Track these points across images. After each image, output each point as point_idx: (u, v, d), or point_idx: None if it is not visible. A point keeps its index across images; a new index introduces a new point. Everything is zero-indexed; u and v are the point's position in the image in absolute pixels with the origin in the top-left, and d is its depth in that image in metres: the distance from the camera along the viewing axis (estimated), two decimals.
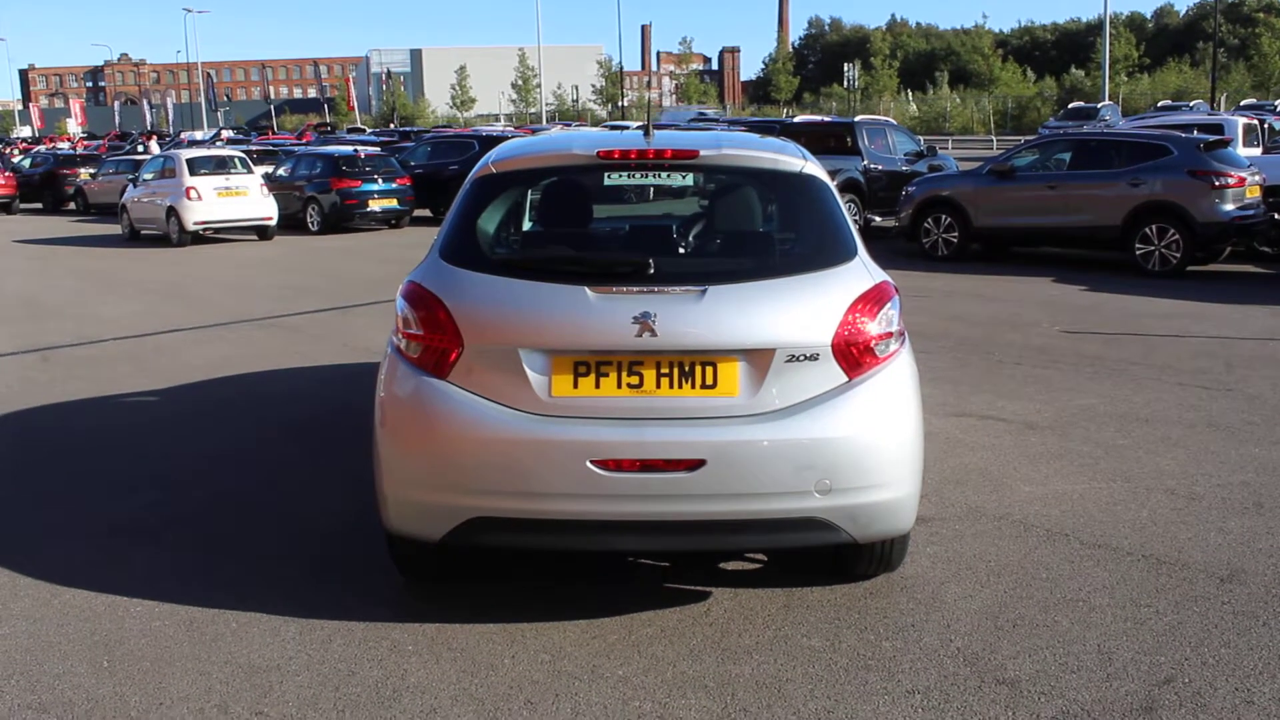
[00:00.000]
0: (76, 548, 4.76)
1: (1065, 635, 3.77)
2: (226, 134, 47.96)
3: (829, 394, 3.66)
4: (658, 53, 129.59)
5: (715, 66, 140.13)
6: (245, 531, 4.93)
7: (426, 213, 22.27)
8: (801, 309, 3.70)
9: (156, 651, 3.78)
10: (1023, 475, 5.51)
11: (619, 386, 3.61)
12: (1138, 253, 12.45)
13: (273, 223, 19.48)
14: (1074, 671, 3.52)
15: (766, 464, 3.55)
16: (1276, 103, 31.26)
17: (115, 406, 7.40)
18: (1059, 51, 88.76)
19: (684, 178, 4.12)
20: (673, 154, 4.04)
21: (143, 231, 20.17)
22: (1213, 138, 13.24)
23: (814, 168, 4.12)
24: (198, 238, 19.01)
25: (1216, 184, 12.04)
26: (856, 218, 15.89)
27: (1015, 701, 3.35)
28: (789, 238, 4.08)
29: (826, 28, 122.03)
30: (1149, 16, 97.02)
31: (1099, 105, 35.54)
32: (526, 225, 4.54)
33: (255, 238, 19.63)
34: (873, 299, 3.78)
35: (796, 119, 24.86)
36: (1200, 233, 12.13)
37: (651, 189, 4.46)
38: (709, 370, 3.61)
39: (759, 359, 3.62)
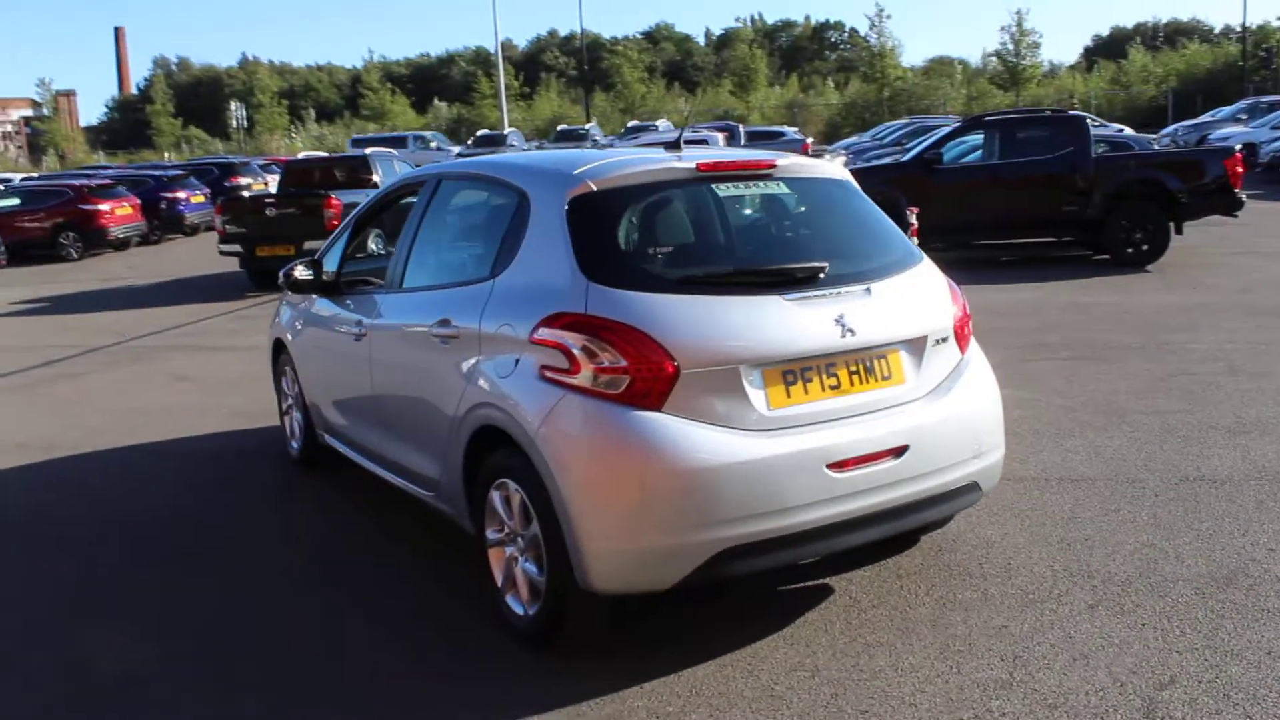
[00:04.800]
0: None
1: (1110, 540, 4.53)
2: None
3: (956, 371, 4.05)
4: None
5: (46, 112, 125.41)
6: None
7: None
8: (933, 297, 4.09)
9: None
10: None
11: (823, 389, 3.68)
12: None
13: None
14: (1156, 560, 4.29)
15: (949, 438, 3.87)
16: (657, 123, 36.68)
17: None
18: (416, 85, 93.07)
19: (780, 186, 4.19)
20: (757, 165, 4.16)
21: None
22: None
23: (851, 176, 4.43)
24: None
25: None
26: None
27: (1161, 590, 4.02)
28: (879, 237, 4.27)
29: (174, 67, 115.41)
30: (493, 52, 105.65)
31: (505, 133, 38.52)
32: (647, 242, 4.12)
33: None
34: (954, 286, 4.26)
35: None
36: None
37: (752, 199, 4.45)
38: (883, 362, 3.82)
39: (916, 346, 3.91)
